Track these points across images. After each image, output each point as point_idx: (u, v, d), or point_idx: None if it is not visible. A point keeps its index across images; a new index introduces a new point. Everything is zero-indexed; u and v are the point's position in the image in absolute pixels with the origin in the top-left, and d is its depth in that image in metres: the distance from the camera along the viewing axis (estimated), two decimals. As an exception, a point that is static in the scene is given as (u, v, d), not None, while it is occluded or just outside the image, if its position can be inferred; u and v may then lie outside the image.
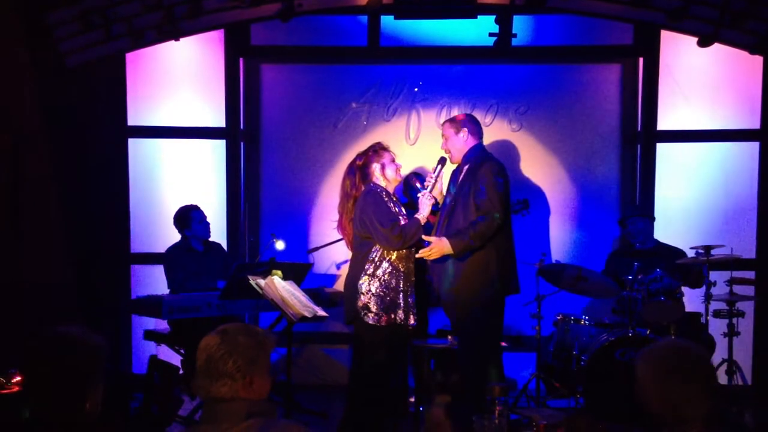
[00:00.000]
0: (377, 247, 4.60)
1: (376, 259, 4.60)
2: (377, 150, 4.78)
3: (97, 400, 2.36)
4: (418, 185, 4.97)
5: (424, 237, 4.65)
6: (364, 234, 4.62)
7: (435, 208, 4.82)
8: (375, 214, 4.55)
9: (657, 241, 6.12)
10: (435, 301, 5.22)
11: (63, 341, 2.35)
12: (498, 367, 4.78)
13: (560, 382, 5.72)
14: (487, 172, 4.62)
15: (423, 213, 4.67)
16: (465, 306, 4.67)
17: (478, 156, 4.77)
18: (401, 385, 5.01)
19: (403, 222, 4.60)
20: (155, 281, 6.40)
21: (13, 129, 5.86)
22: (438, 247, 4.59)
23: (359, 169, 4.76)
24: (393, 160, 4.80)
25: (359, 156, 4.80)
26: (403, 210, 4.77)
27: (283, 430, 2.37)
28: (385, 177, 4.75)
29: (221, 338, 2.42)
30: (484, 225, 4.53)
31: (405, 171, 6.27)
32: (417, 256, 4.67)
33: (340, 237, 4.93)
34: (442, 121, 6.55)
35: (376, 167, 4.74)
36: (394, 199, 4.75)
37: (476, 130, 4.85)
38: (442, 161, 4.87)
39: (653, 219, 6.17)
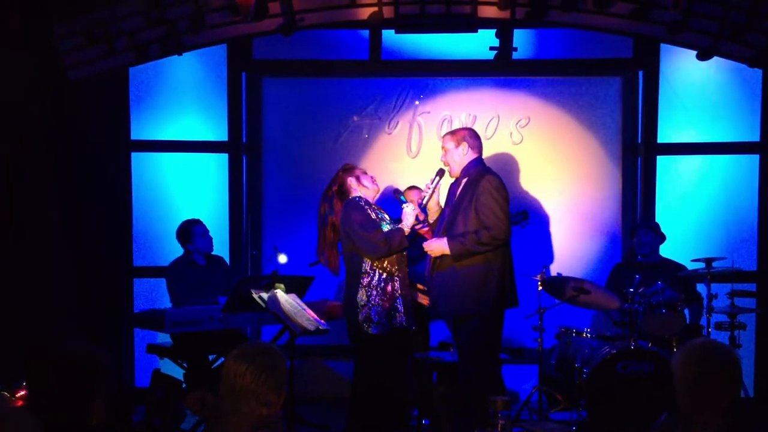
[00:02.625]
0: (366, 258, 4.64)
1: (369, 269, 4.63)
2: (346, 169, 4.87)
3: (102, 415, 2.37)
4: (401, 199, 5.00)
5: (424, 245, 4.69)
6: (351, 247, 4.65)
7: (418, 221, 4.84)
8: (357, 222, 4.60)
9: (660, 256, 6.13)
10: (435, 313, 5.23)
11: (68, 356, 2.37)
12: (498, 380, 4.79)
13: (562, 395, 5.72)
14: (488, 186, 4.63)
15: (407, 223, 4.70)
16: (464, 318, 4.68)
17: (476, 169, 4.79)
18: (403, 397, 5.01)
19: (387, 228, 4.64)
20: (158, 295, 6.41)
21: (16, 141, 5.89)
22: (437, 244, 4.63)
23: (336, 194, 4.82)
24: (365, 172, 4.87)
25: (332, 182, 4.88)
26: (387, 217, 4.80)
27: None
28: (363, 186, 4.81)
29: (250, 361, 2.47)
30: (488, 237, 4.55)
31: (406, 184, 6.29)
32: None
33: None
34: (443, 133, 6.62)
35: (351, 181, 4.81)
36: (375, 208, 4.79)
37: (476, 144, 4.88)
38: (440, 173, 4.90)
39: (663, 237, 6.16)
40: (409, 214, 4.74)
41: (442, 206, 4.99)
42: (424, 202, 4.83)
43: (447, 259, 4.67)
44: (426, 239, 4.92)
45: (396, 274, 4.67)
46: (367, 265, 4.64)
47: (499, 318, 4.77)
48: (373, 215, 4.69)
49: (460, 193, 4.77)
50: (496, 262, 4.66)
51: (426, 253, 4.87)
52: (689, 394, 2.62)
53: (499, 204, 4.60)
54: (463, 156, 4.84)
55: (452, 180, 4.96)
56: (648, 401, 5.15)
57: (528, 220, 5.96)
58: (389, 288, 4.63)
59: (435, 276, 4.79)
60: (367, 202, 4.75)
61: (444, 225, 4.80)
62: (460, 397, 4.93)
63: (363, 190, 4.80)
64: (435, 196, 4.92)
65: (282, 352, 5.32)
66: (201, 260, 6.01)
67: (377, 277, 4.63)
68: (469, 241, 4.56)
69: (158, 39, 5.74)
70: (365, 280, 4.62)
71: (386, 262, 4.65)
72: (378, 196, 5.04)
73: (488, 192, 4.61)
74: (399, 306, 4.64)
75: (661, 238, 6.14)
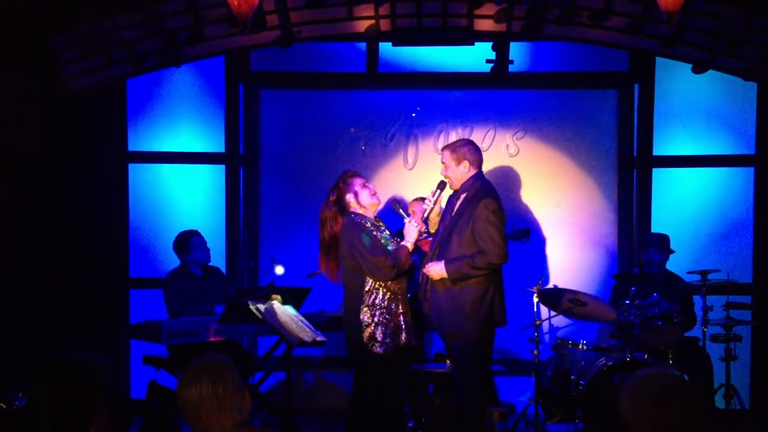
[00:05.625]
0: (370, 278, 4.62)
1: (372, 288, 4.60)
2: (346, 179, 4.80)
3: (101, 425, 2.36)
4: (401, 211, 4.99)
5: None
6: (355, 265, 4.63)
7: (421, 235, 4.83)
8: (365, 245, 4.55)
9: (666, 270, 6.10)
10: (430, 325, 5.23)
11: (68, 365, 2.36)
12: (491, 392, 4.80)
13: (559, 407, 5.73)
14: (485, 211, 4.59)
15: (410, 240, 4.68)
16: (454, 335, 4.69)
17: (475, 185, 4.76)
18: (401, 410, 5.01)
19: (392, 247, 4.62)
20: (154, 306, 6.39)
21: (14, 152, 5.89)
22: (435, 269, 4.63)
23: (335, 204, 4.78)
24: (364, 185, 4.80)
25: (331, 190, 4.83)
26: (387, 232, 4.78)
27: None
28: (361, 204, 4.75)
29: (211, 380, 2.45)
30: (484, 262, 4.55)
31: (403, 195, 6.31)
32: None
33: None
34: (440, 146, 6.60)
35: (350, 197, 4.74)
36: (378, 224, 4.77)
37: (476, 159, 4.84)
38: (441, 185, 4.88)
39: (671, 252, 6.17)
40: (412, 230, 4.71)
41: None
42: (426, 215, 4.81)
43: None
44: (425, 252, 4.92)
45: (399, 292, 4.66)
46: (369, 284, 4.61)
47: (491, 332, 4.78)
48: (377, 234, 4.66)
49: (458, 210, 4.74)
50: (490, 282, 4.67)
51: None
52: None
53: (496, 228, 4.59)
54: (464, 173, 4.81)
55: (450, 193, 4.96)
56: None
57: (529, 237, 5.93)
58: (393, 306, 4.61)
59: (430, 290, 4.78)
60: (370, 221, 4.72)
61: (437, 241, 4.78)
62: (456, 409, 4.93)
63: (361, 210, 4.76)
64: (437, 208, 4.92)
65: (279, 363, 5.30)
66: (198, 271, 6.01)
67: (381, 296, 4.60)
68: (465, 266, 4.57)
69: (156, 50, 5.76)
70: (369, 299, 4.59)
71: (390, 282, 4.63)
72: (379, 208, 5.00)
73: (485, 216, 4.59)
74: (403, 324, 4.62)
75: (670, 253, 6.13)
